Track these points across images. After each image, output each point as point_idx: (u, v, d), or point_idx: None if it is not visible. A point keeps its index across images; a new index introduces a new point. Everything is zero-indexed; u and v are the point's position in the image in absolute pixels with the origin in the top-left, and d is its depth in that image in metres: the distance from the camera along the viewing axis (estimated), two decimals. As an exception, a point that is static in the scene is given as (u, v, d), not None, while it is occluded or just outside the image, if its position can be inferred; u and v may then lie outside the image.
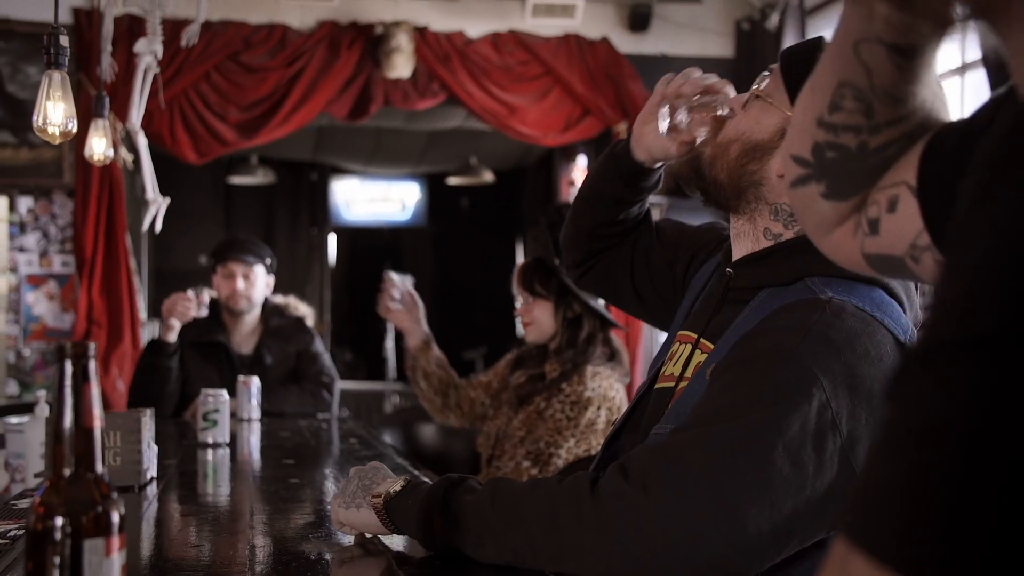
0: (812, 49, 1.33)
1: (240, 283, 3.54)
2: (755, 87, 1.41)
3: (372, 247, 9.61)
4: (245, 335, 3.62)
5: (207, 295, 3.46)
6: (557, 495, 1.18)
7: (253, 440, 2.85)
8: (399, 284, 2.93)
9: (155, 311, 7.23)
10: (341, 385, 3.76)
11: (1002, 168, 0.49)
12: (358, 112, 5.85)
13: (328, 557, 1.33)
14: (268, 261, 3.66)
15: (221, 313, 3.62)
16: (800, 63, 1.32)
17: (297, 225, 8.88)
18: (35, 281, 5.43)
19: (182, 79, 5.40)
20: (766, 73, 1.42)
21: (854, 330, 1.20)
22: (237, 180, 8.23)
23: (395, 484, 1.32)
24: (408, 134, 7.30)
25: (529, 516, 1.18)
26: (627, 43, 5.93)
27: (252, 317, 3.63)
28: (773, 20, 5.37)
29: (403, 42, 5.65)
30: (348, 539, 1.38)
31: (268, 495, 1.85)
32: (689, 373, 1.38)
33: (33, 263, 5.42)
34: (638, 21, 5.87)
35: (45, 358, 5.43)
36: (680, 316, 1.55)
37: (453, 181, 8.60)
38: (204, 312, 3.44)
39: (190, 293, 3.39)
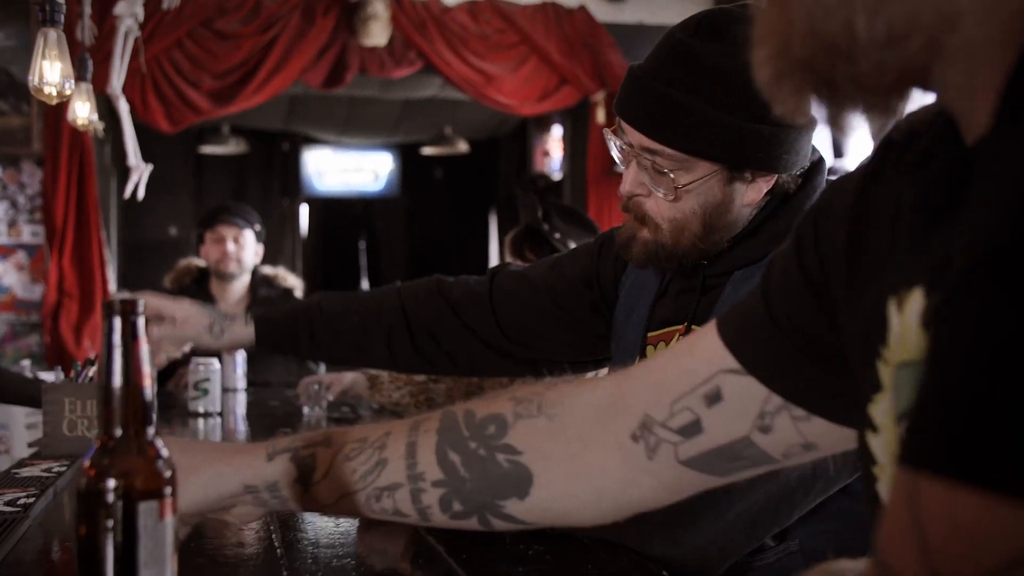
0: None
1: (230, 245, 3.49)
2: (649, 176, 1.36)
3: (345, 218, 9.54)
4: (233, 304, 3.58)
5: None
6: None
7: (240, 410, 2.81)
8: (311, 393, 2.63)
9: (125, 282, 7.13)
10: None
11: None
12: (333, 80, 5.78)
13: (349, 523, 1.31)
14: (257, 228, 3.62)
15: (209, 283, 3.57)
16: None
17: (269, 196, 8.78)
18: (3, 251, 5.33)
19: (153, 46, 5.29)
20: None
21: None
22: (208, 150, 8.11)
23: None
24: (382, 103, 7.23)
25: None
26: (605, 12, 5.89)
27: (241, 286, 3.58)
28: (753, -11, 5.34)
29: (379, 9, 5.57)
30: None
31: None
32: None
33: (1, 233, 5.32)
34: (616, -11, 5.83)
35: (14, 330, 5.34)
36: (638, 321, 1.50)
37: (427, 151, 8.54)
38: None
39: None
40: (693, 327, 1.39)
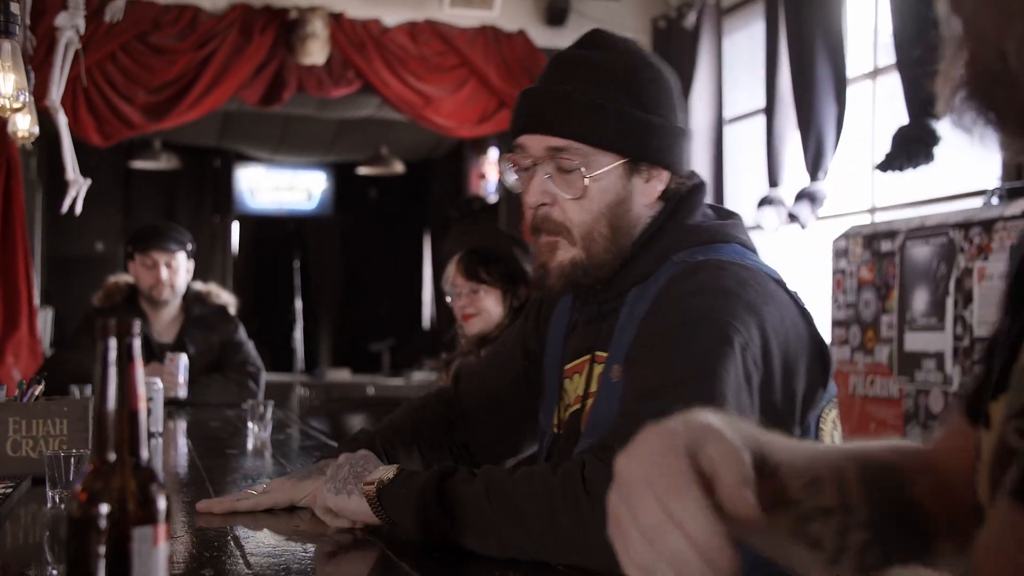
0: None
1: (164, 272, 3.43)
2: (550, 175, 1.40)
3: (277, 236, 9.43)
4: (166, 324, 3.51)
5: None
6: (553, 489, 1.19)
7: (181, 429, 2.76)
8: None
9: (49, 298, 6.95)
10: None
11: None
12: (270, 98, 5.74)
13: (314, 548, 1.29)
14: (189, 247, 3.56)
15: (139, 301, 3.50)
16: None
17: (200, 212, 8.65)
18: (-76, 266, 5.16)
19: (87, 58, 5.18)
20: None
21: (740, 277, 1.31)
22: (139, 164, 7.98)
23: (388, 472, 1.29)
24: (318, 122, 7.19)
25: (528, 513, 1.18)
26: (544, 37, 5.94)
27: (173, 305, 3.52)
28: (690, 19, 5.44)
29: (318, 28, 5.55)
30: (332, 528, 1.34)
31: (228, 486, 1.79)
32: (593, 387, 1.43)
33: (-78, 247, 5.14)
34: (555, 15, 5.89)
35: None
36: (553, 363, 1.56)
37: (363, 171, 8.51)
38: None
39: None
40: (597, 353, 1.44)
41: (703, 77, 5.42)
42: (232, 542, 1.29)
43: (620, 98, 1.38)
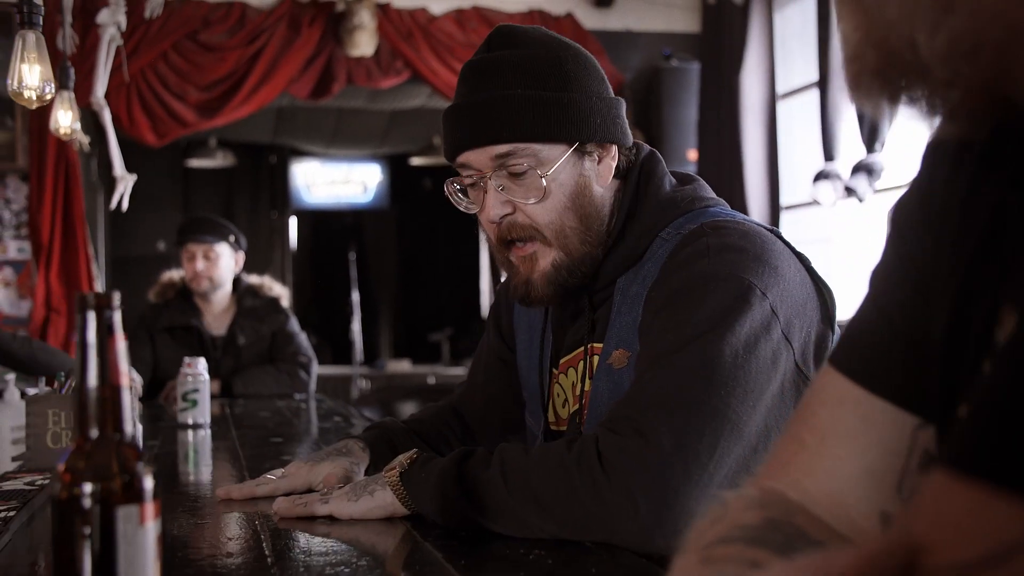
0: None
1: (200, 264, 3.45)
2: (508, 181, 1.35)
3: (334, 230, 9.48)
4: (217, 315, 3.54)
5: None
6: (569, 467, 1.16)
7: (230, 420, 2.76)
8: None
9: (113, 298, 7.07)
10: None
11: None
12: (321, 91, 5.75)
13: (335, 530, 1.27)
14: (232, 238, 3.57)
15: (193, 296, 3.53)
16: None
17: (257, 209, 8.73)
18: (-10, 268, 5.28)
19: (139, 58, 5.25)
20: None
21: (740, 231, 1.29)
22: (196, 163, 8.07)
23: (406, 458, 1.27)
24: (370, 114, 7.20)
25: (546, 493, 1.16)
26: (592, 18, 5.88)
27: (223, 297, 3.54)
28: (740, -7, 5.33)
29: (365, 19, 5.55)
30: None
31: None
32: (588, 383, 1.41)
33: (-12, 249, 5.26)
34: (603, -4, 5.82)
35: (2, 347, 5.27)
36: (532, 364, 1.55)
37: (416, 162, 8.51)
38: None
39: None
40: (592, 345, 1.41)
41: (754, 53, 5.31)
42: (256, 524, 1.28)
43: (548, 87, 1.34)
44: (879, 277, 0.74)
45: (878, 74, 0.57)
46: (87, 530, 0.70)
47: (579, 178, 1.37)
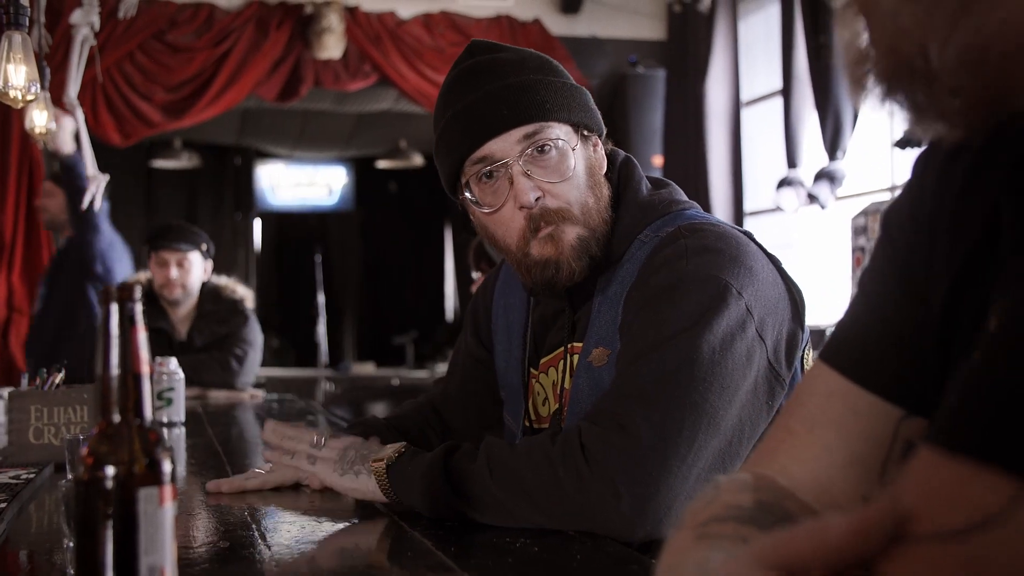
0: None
1: (173, 271, 3.45)
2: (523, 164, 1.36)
3: (298, 232, 9.48)
4: (182, 319, 3.54)
5: None
6: (553, 459, 1.20)
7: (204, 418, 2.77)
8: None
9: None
10: (271, 372, 3.68)
11: None
12: (288, 93, 5.76)
13: (324, 520, 1.30)
14: (204, 247, 3.57)
15: (159, 298, 3.53)
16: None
17: (221, 210, 8.70)
18: (-49, 268, 5.22)
19: (105, 58, 5.23)
20: None
21: (716, 233, 1.33)
22: (160, 164, 8.03)
23: (395, 449, 1.30)
24: (336, 117, 7.21)
25: (532, 485, 1.20)
26: (559, 25, 5.94)
27: (189, 302, 3.55)
28: (705, 2, 5.42)
29: (333, 22, 5.57)
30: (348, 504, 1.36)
31: (246, 469, 1.80)
32: (568, 381, 1.45)
33: (-51, 249, 5.21)
34: (570, 3, 5.89)
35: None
36: (513, 364, 1.57)
37: (382, 164, 8.53)
38: None
39: None
40: (573, 345, 1.45)
41: (719, 60, 5.39)
42: (247, 517, 1.31)
43: (546, 74, 1.39)
44: (870, 278, 0.78)
45: (885, 78, 0.59)
46: (109, 511, 0.74)
47: (589, 160, 1.41)
